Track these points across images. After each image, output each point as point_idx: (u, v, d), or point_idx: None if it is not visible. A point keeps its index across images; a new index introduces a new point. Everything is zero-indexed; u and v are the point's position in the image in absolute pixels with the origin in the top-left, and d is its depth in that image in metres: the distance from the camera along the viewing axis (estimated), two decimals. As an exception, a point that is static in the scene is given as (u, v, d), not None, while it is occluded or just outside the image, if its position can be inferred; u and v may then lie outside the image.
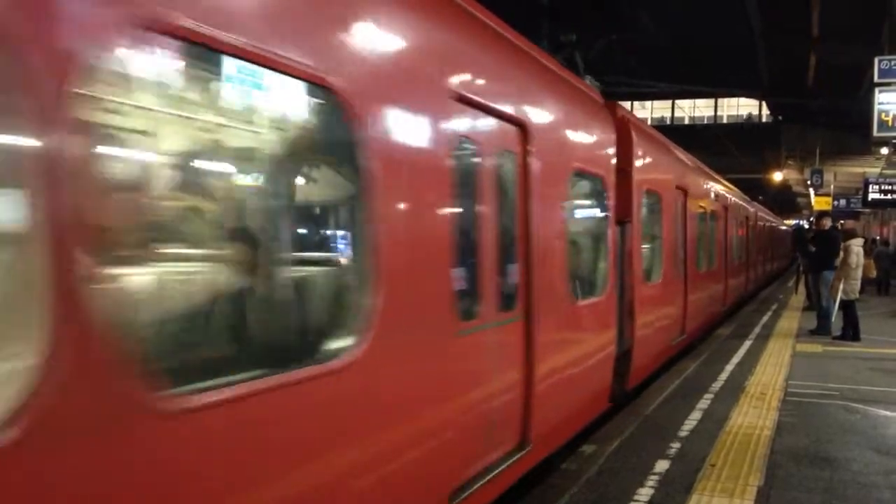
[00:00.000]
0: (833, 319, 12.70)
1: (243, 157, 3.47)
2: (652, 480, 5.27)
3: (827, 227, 14.02)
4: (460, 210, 4.07)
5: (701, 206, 12.26)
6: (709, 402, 7.73)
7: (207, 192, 3.27)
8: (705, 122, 49.72)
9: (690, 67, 31.12)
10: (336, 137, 3.30)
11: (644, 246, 8.39)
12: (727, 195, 16.27)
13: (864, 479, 5.36)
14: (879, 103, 17.31)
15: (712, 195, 13.80)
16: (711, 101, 50.61)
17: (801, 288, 19.90)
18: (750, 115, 50.89)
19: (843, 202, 34.66)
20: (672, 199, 9.80)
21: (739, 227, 18.21)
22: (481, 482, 4.17)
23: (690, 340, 11.31)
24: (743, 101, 49.43)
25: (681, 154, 11.61)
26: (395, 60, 3.43)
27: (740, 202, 19.32)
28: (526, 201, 4.82)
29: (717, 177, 15.57)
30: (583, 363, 6.07)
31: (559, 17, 15.88)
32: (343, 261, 3.63)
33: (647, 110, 50.15)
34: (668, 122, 48.86)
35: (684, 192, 10.61)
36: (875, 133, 17.64)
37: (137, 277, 2.80)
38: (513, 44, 5.11)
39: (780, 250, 35.29)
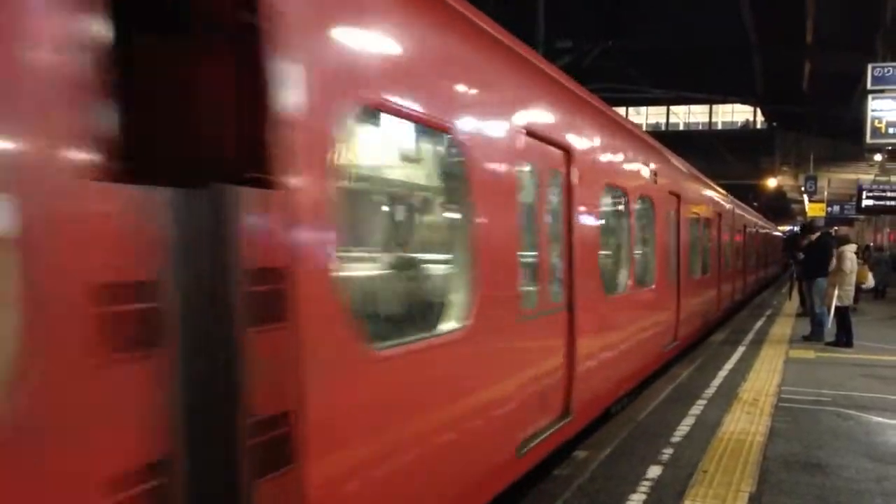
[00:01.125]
0: (829, 326, 12.72)
1: None
2: (644, 486, 5.26)
3: (812, 240, 13.99)
4: None
5: (621, 188, 7.76)
6: (702, 407, 7.72)
7: None
8: (700, 128, 49.88)
9: (686, 73, 31.28)
10: None
11: (397, 258, 4.21)
12: (683, 180, 11.39)
13: (857, 486, 5.35)
14: (873, 110, 17.44)
15: (650, 174, 8.97)
16: (706, 108, 50.78)
17: (795, 294, 19.94)
18: (748, 122, 51.07)
19: (836, 208, 34.80)
20: (537, 160, 5.24)
21: (706, 227, 13.52)
22: None
23: (587, 422, 6.50)
24: (738, 107, 49.64)
25: (575, 90, 6.62)
26: None
27: (708, 193, 14.34)
28: None
29: (668, 154, 10.70)
30: None
31: (556, 22, 15.98)
32: None
33: (643, 116, 50.30)
34: (664, 127, 49.01)
35: (568, 154, 5.84)
36: (868, 140, 17.77)
37: None
38: None
39: (768, 258, 30.09)
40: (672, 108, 48.18)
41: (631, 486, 5.23)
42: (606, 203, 7.45)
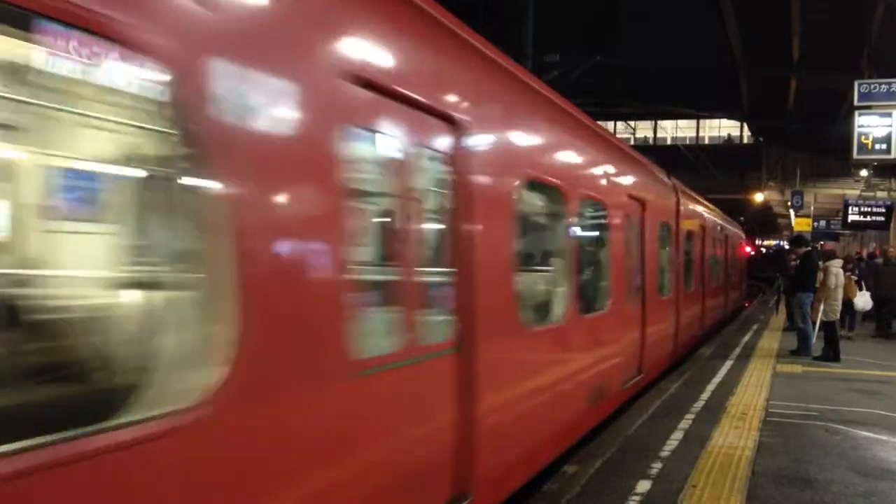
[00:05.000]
0: (814, 340, 12.78)
1: None
2: (633, 501, 5.24)
3: (792, 262, 14.06)
4: None
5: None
6: (690, 422, 7.72)
7: None
8: (687, 142, 50.25)
9: (673, 89, 31.51)
10: None
11: None
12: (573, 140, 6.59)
13: (845, 501, 5.36)
14: (859, 126, 17.56)
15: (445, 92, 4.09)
16: (693, 123, 51.15)
17: (782, 308, 19.99)
18: (730, 136, 51.46)
19: (823, 223, 35.08)
20: None
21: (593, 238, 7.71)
22: None
23: None
24: (725, 122, 50.03)
25: None
26: None
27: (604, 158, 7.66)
28: None
29: (544, 88, 6.13)
30: None
31: (544, 38, 16.10)
32: None
33: (631, 131, 50.59)
34: (651, 142, 49.33)
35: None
36: (855, 156, 17.88)
37: None
38: None
39: (737, 277, 23.12)
40: (659, 123, 48.51)
41: (620, 501, 5.22)
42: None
